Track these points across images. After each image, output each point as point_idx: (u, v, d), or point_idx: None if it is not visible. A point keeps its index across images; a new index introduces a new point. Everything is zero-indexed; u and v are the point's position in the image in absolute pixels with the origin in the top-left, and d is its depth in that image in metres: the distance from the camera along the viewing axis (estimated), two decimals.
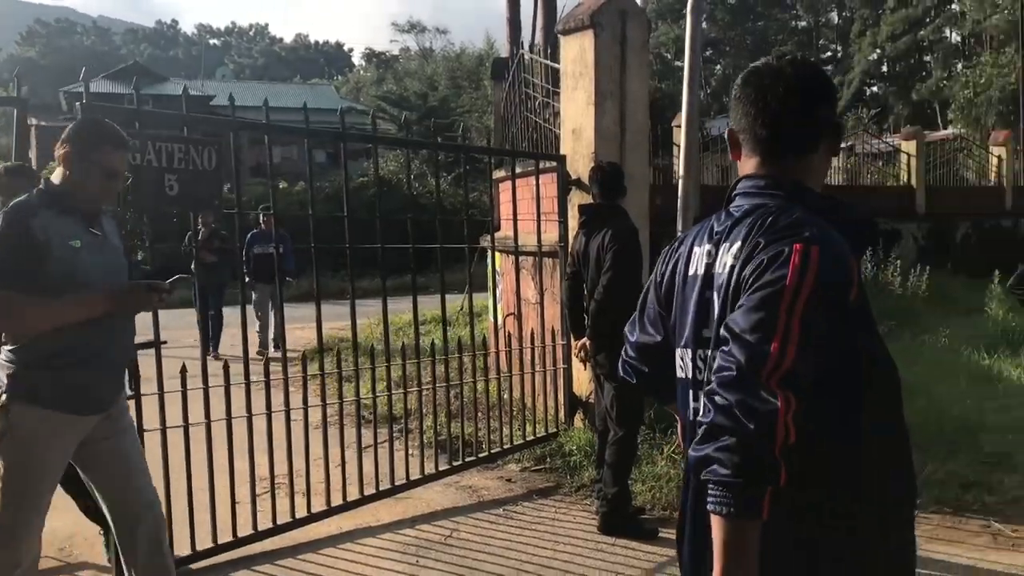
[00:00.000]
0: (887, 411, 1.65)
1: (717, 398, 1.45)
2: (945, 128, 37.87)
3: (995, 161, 17.40)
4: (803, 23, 57.96)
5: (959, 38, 50.92)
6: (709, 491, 1.43)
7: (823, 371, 1.47)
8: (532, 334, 6.44)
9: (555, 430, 6.36)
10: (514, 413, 6.37)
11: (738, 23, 55.04)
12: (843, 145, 22.56)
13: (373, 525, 4.92)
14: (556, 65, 6.97)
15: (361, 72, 79.24)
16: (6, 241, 2.89)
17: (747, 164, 1.78)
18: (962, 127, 36.68)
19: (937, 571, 4.10)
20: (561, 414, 6.46)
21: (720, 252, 1.69)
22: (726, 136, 1.83)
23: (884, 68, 53.71)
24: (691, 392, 1.76)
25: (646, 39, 6.55)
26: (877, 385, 1.63)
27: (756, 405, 1.41)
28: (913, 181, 15.36)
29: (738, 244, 1.64)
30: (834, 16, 57.63)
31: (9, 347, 3.00)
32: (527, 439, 6.20)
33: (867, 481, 1.59)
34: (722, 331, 1.53)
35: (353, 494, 5.02)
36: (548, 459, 5.98)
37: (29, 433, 2.96)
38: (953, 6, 48.57)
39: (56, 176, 3.09)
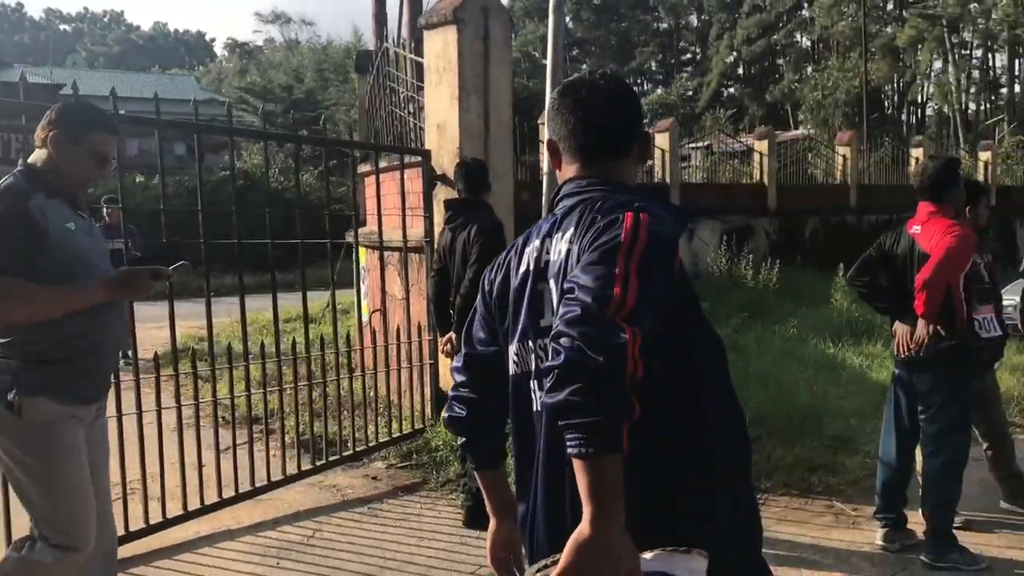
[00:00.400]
0: (720, 380, 1.77)
1: (563, 339, 1.46)
2: (796, 128, 39.78)
3: (841, 160, 18.32)
4: (664, 25, 59.63)
5: (809, 43, 53.66)
6: (568, 437, 1.43)
7: (661, 346, 1.53)
8: (398, 330, 6.40)
9: (421, 426, 6.34)
10: (380, 410, 6.31)
11: (603, 23, 56.16)
12: (702, 144, 23.48)
13: (233, 528, 4.78)
14: (420, 60, 6.95)
15: (223, 63, 76.65)
16: (6, 225, 2.72)
17: (568, 170, 1.87)
18: (811, 128, 38.66)
19: (784, 551, 4.30)
20: (428, 410, 6.44)
21: (553, 243, 1.75)
22: (546, 146, 1.89)
23: (740, 70, 55.97)
24: (532, 383, 1.77)
25: (509, 35, 6.61)
26: (708, 360, 1.73)
27: (604, 339, 1.43)
28: (765, 179, 16.04)
29: (571, 230, 1.70)
30: (694, 19, 59.58)
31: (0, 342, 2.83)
32: (393, 436, 6.15)
33: (717, 446, 1.69)
34: (565, 285, 1.56)
35: (211, 497, 4.86)
36: (414, 455, 5.96)
37: (52, 423, 2.83)
38: (803, 12, 51.12)
39: (38, 157, 2.91)
